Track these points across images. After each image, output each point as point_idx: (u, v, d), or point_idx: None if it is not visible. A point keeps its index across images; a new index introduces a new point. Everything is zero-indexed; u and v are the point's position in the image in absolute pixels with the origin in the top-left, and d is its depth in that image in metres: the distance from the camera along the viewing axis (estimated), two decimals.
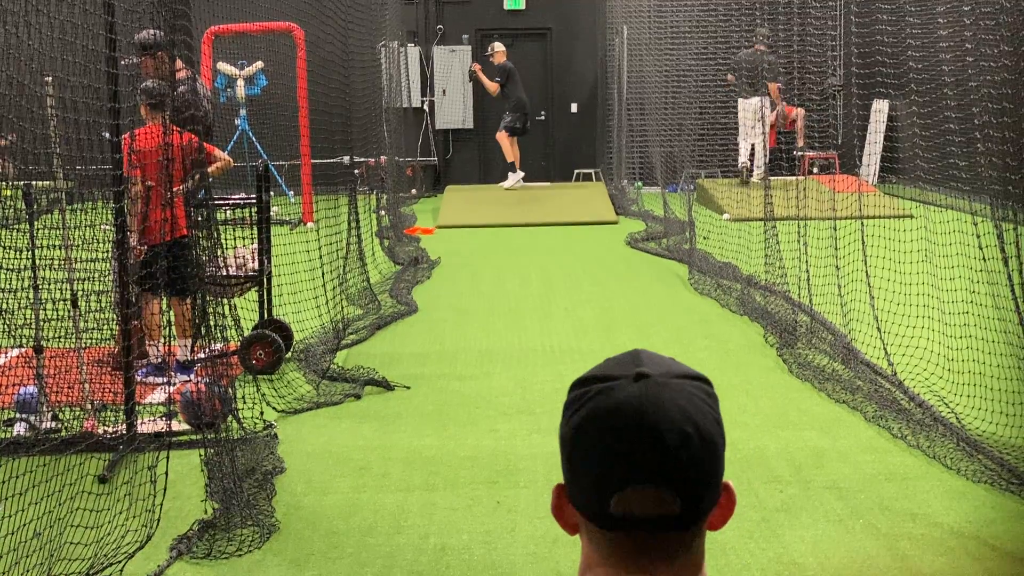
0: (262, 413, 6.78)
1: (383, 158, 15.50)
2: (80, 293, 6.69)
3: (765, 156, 14.43)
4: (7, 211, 6.47)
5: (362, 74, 13.36)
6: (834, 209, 9.06)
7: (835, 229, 8.72)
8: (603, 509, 1.48)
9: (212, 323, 6.29)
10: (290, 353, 8.36)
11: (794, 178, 13.31)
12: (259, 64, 17.48)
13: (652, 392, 1.46)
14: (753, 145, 17.35)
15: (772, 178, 11.44)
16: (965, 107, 7.37)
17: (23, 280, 6.38)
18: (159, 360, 7.79)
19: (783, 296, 9.65)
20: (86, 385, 6.73)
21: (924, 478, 5.89)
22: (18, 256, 6.19)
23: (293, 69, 15.36)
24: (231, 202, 9.04)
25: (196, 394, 6.25)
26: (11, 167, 5.06)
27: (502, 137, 18.79)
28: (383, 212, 15.27)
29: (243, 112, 17.91)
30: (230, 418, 6.16)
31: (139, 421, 6.44)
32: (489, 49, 19.00)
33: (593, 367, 1.56)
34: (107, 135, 6.08)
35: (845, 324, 8.29)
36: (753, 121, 17.00)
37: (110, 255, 7.08)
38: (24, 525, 4.56)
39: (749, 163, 17.60)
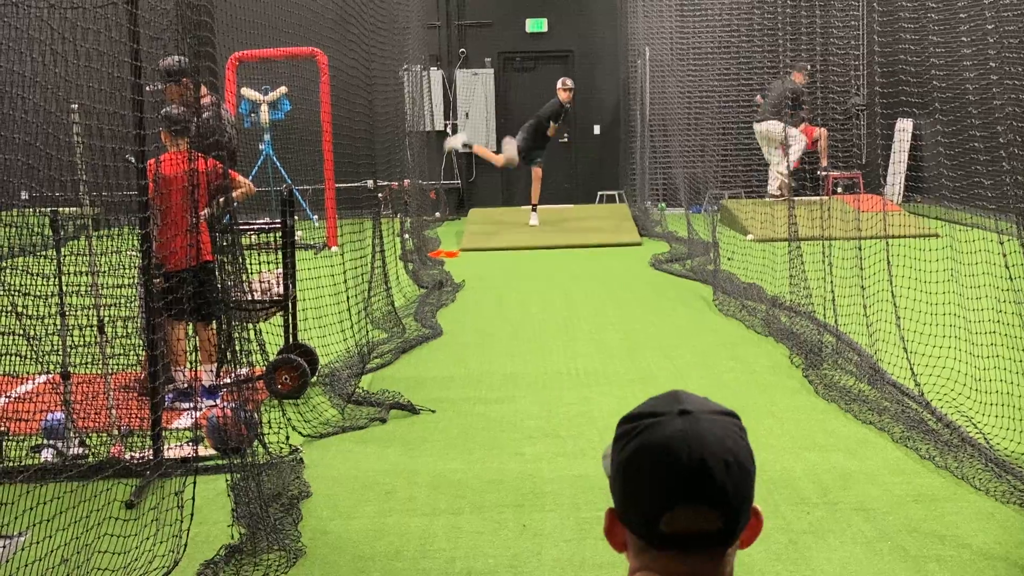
0: (288, 438, 6.79)
1: (407, 181, 15.54)
2: (107, 319, 6.73)
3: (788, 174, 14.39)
4: (34, 238, 6.51)
5: (385, 98, 13.41)
6: (859, 229, 9.04)
7: (860, 249, 8.69)
8: (654, 527, 1.71)
9: (237, 348, 6.31)
10: (315, 377, 8.37)
11: (818, 198, 13.27)
12: (283, 89, 17.57)
13: (695, 426, 1.72)
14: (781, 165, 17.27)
15: (795, 198, 11.40)
16: (990, 125, 7.35)
17: (50, 307, 6.42)
18: (185, 385, 7.82)
19: (808, 317, 9.61)
20: (113, 411, 6.76)
21: (952, 499, 5.85)
22: (45, 283, 6.24)
23: (316, 94, 15.42)
24: (256, 227, 9.08)
25: (222, 419, 6.26)
26: None
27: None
28: (407, 235, 15.30)
29: (267, 137, 18.01)
30: (256, 443, 6.17)
31: (166, 446, 6.46)
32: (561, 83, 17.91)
33: (638, 406, 1.80)
34: (132, 159, 6.11)
35: (871, 344, 8.25)
36: (778, 143, 16.97)
37: (136, 281, 7.12)
38: (52, 551, 4.57)
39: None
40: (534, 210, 18.40)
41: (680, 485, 1.68)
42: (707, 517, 1.69)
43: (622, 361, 9.25)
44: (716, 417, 1.74)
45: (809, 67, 15.83)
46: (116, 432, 6.71)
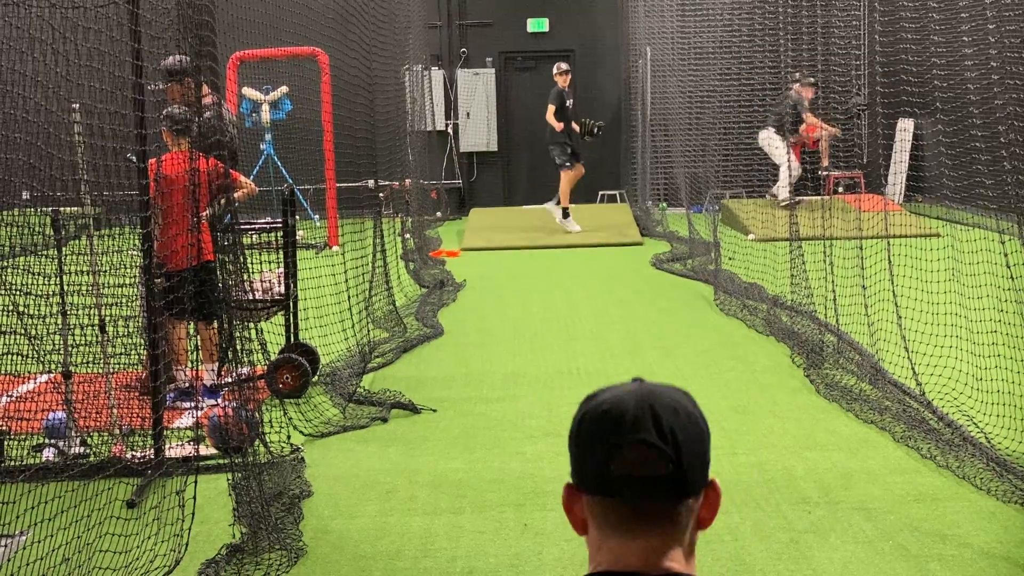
0: (289, 437, 6.79)
1: (408, 181, 15.54)
2: (108, 318, 6.73)
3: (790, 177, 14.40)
4: (36, 237, 6.51)
5: (386, 98, 13.41)
6: (860, 228, 9.03)
7: (861, 248, 8.69)
8: (606, 472, 1.76)
9: (239, 347, 6.31)
10: (316, 377, 8.37)
11: (819, 198, 13.27)
12: (284, 89, 17.59)
13: (645, 386, 1.83)
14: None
15: (797, 199, 11.41)
16: (991, 124, 7.35)
17: (52, 306, 6.42)
18: (186, 385, 7.82)
19: (809, 316, 9.61)
20: (114, 410, 6.76)
21: (953, 499, 5.85)
22: (47, 282, 6.24)
23: (318, 93, 15.44)
24: (257, 226, 9.08)
25: (223, 418, 6.26)
26: None
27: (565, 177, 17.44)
28: (408, 235, 15.30)
29: (268, 136, 18.01)
30: (257, 442, 6.17)
31: (167, 446, 6.46)
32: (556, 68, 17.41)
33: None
34: (133, 159, 6.12)
35: (872, 344, 8.25)
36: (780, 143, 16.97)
37: (137, 280, 7.12)
38: (53, 551, 4.58)
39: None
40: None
41: (628, 425, 1.74)
42: (656, 458, 1.73)
43: (623, 360, 9.25)
44: (669, 387, 1.83)
45: (813, 79, 15.84)
46: (117, 431, 6.71)
